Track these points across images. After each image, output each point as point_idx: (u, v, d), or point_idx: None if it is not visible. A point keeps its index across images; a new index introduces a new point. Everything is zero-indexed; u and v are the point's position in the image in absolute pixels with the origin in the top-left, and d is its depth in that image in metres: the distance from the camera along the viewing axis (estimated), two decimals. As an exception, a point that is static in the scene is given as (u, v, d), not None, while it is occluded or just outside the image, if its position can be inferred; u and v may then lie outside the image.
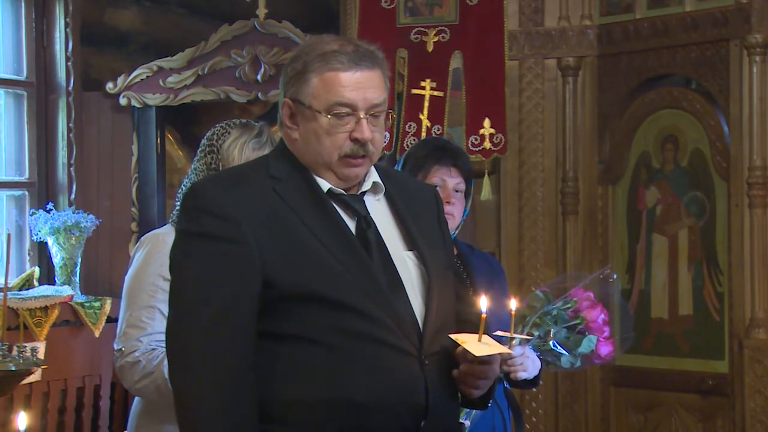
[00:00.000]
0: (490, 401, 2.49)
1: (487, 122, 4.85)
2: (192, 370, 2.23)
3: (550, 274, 5.22)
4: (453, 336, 2.32)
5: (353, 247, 2.30)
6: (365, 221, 2.36)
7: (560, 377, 5.17)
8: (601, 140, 5.25)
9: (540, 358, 3.20)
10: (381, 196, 2.43)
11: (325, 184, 2.34)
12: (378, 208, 2.41)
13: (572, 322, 3.23)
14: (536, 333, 3.19)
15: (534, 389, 3.89)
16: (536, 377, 3.20)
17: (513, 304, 2.58)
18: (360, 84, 2.31)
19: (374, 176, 2.41)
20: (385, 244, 2.36)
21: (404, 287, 2.33)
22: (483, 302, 2.30)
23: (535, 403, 5.22)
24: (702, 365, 4.91)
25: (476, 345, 2.28)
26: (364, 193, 2.39)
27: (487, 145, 4.83)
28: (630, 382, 5.12)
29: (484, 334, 2.30)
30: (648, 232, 5.12)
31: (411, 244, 2.40)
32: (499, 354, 2.32)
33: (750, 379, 4.70)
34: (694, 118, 4.98)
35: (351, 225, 2.34)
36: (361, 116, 2.31)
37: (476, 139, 4.84)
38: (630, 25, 5.12)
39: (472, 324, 2.37)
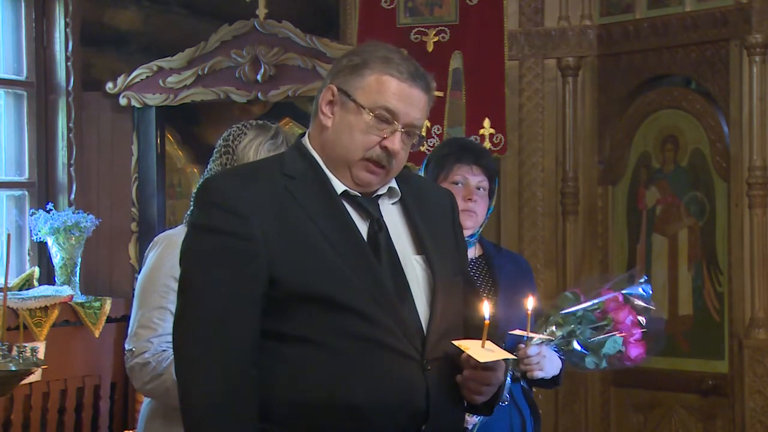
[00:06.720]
0: (495, 407, 2.47)
1: (486, 122, 4.85)
2: (195, 361, 2.24)
3: (550, 274, 5.23)
4: (456, 342, 2.31)
5: (362, 250, 2.30)
6: (377, 224, 2.36)
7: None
8: (601, 140, 5.25)
9: (564, 358, 3.20)
10: (395, 200, 2.43)
11: (339, 186, 2.34)
12: (391, 212, 2.41)
13: (600, 323, 3.21)
14: (560, 333, 3.18)
15: (556, 387, 3.86)
16: (556, 377, 3.20)
17: (530, 303, 2.58)
18: (410, 99, 2.33)
19: (391, 181, 2.41)
20: (394, 247, 2.36)
21: (411, 291, 2.33)
22: (486, 308, 2.29)
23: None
24: (702, 365, 4.91)
25: (480, 351, 2.26)
26: (379, 196, 2.40)
27: (487, 145, 4.82)
28: (630, 382, 5.12)
29: (488, 340, 2.28)
30: (648, 232, 5.12)
31: (420, 248, 2.40)
32: (504, 360, 2.31)
33: (750, 379, 4.70)
34: (694, 118, 4.98)
35: (363, 227, 2.34)
36: (399, 129, 2.32)
37: (476, 140, 4.84)
38: (630, 25, 5.12)
39: (480, 330, 2.36)
